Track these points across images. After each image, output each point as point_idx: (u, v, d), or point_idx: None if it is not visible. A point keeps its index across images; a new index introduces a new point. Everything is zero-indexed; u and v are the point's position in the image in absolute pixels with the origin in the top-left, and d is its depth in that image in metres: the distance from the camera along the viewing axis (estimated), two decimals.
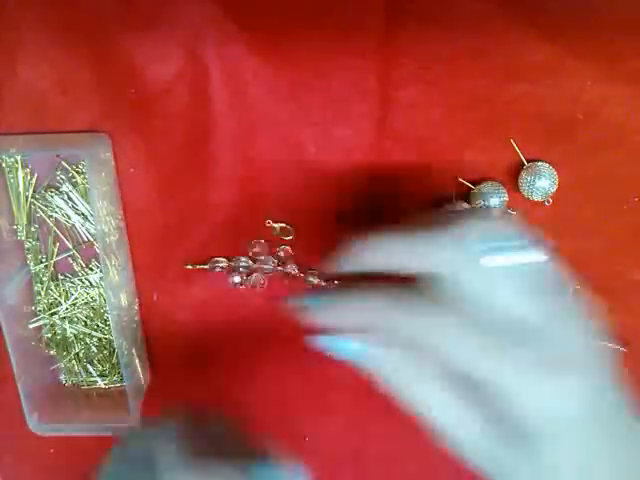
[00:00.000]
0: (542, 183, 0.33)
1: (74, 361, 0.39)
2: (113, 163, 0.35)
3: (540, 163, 0.34)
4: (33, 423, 0.37)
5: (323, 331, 0.24)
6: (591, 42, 0.32)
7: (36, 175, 0.36)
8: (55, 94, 0.34)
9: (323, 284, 0.36)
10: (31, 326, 0.38)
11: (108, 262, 0.34)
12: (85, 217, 0.36)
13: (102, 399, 0.39)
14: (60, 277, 0.38)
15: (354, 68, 0.33)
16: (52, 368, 0.40)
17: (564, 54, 0.32)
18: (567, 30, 0.32)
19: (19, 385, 0.36)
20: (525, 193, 0.34)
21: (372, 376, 0.24)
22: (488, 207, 0.34)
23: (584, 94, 0.33)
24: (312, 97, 0.34)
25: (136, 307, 0.37)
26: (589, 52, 0.32)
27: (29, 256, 0.37)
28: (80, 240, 0.37)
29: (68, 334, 0.39)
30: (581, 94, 0.33)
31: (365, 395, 0.38)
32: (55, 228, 0.37)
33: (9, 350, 0.35)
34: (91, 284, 0.38)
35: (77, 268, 0.38)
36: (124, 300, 0.36)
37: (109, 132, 0.34)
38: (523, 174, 0.34)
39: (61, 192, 0.36)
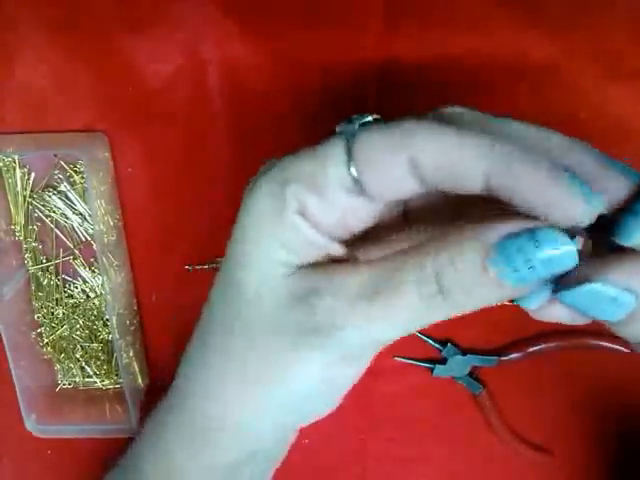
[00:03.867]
0: None
1: (72, 362, 0.39)
2: (111, 163, 0.34)
3: None
4: (31, 424, 0.36)
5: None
6: (593, 41, 0.32)
7: (34, 175, 0.35)
8: (53, 93, 0.34)
9: None
10: (29, 327, 0.38)
11: (106, 262, 0.33)
12: (83, 217, 0.36)
13: (100, 401, 0.39)
14: (59, 277, 0.38)
15: (354, 67, 0.33)
16: (50, 369, 0.39)
17: (566, 53, 0.32)
18: (569, 29, 0.32)
19: (17, 386, 0.35)
20: None
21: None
22: None
23: (585, 94, 0.33)
24: (312, 97, 0.33)
25: (135, 307, 0.37)
26: (591, 51, 0.32)
27: (27, 256, 0.37)
28: (78, 240, 0.37)
29: (66, 335, 0.38)
30: (582, 94, 0.33)
31: (366, 395, 0.38)
32: (55, 228, 0.36)
33: (7, 351, 0.35)
34: (90, 285, 0.38)
35: (76, 268, 0.37)
36: (122, 301, 0.35)
37: (107, 131, 0.34)
38: None
39: (59, 192, 0.36)
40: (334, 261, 0.19)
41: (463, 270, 0.17)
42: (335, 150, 0.18)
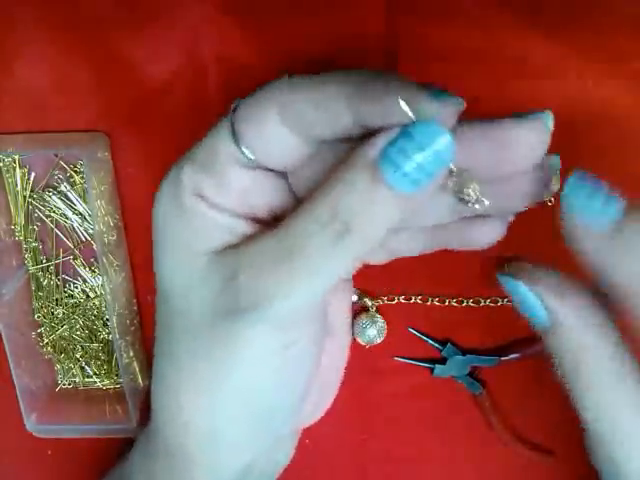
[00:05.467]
0: None
1: (72, 362, 0.39)
2: (111, 163, 0.34)
3: None
4: (31, 424, 0.36)
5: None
6: (593, 41, 0.32)
7: (34, 175, 0.35)
8: (53, 93, 0.33)
9: None
10: (29, 327, 0.38)
11: (106, 262, 0.33)
12: (83, 217, 0.36)
13: (100, 401, 0.39)
14: (59, 277, 0.38)
15: (355, 65, 0.33)
16: (50, 369, 0.39)
17: (565, 53, 0.32)
18: (569, 30, 0.32)
19: (17, 386, 0.35)
20: None
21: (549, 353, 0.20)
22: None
23: (585, 94, 0.33)
24: None
25: (135, 308, 0.37)
26: (591, 52, 0.32)
27: (27, 256, 0.37)
28: (78, 240, 0.37)
29: (66, 335, 0.38)
30: (582, 94, 0.33)
31: (366, 395, 0.38)
32: (55, 228, 0.36)
33: (7, 351, 0.35)
34: (90, 285, 0.38)
35: (76, 268, 0.37)
36: (123, 301, 0.35)
37: (107, 131, 0.34)
38: None
39: (59, 192, 0.36)
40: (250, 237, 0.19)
41: (356, 196, 0.17)
42: (220, 128, 0.19)
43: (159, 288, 0.20)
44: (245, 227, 0.19)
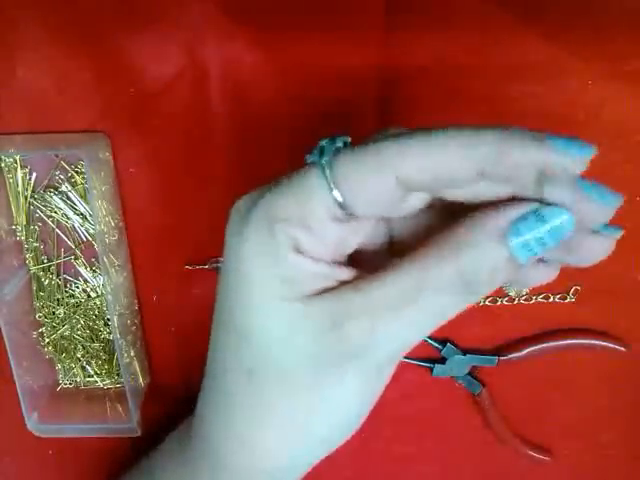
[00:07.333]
0: None
1: (73, 362, 0.39)
2: (112, 163, 0.34)
3: None
4: (32, 424, 0.36)
5: None
6: (592, 41, 0.32)
7: (35, 175, 0.35)
8: (54, 93, 0.34)
9: None
10: (30, 327, 0.38)
11: (107, 262, 0.33)
12: (84, 217, 0.36)
13: (101, 400, 0.39)
14: (60, 277, 0.38)
15: (354, 68, 0.33)
16: (51, 369, 0.39)
17: (565, 53, 0.32)
18: (568, 29, 0.32)
19: (18, 386, 0.35)
20: None
21: None
22: None
23: (585, 94, 0.33)
24: (313, 97, 0.33)
25: (136, 307, 0.37)
26: (590, 51, 0.32)
27: (28, 256, 0.37)
28: (79, 240, 0.37)
29: (67, 335, 0.39)
30: (582, 94, 0.33)
31: None
32: (56, 228, 0.36)
33: (8, 351, 0.35)
34: (91, 284, 0.38)
35: (77, 268, 0.37)
36: (123, 301, 0.36)
37: (108, 132, 0.34)
38: None
39: (60, 192, 0.36)
40: (343, 282, 0.20)
41: (485, 262, 0.18)
42: (316, 181, 0.18)
43: (235, 323, 0.20)
44: (340, 273, 0.20)
